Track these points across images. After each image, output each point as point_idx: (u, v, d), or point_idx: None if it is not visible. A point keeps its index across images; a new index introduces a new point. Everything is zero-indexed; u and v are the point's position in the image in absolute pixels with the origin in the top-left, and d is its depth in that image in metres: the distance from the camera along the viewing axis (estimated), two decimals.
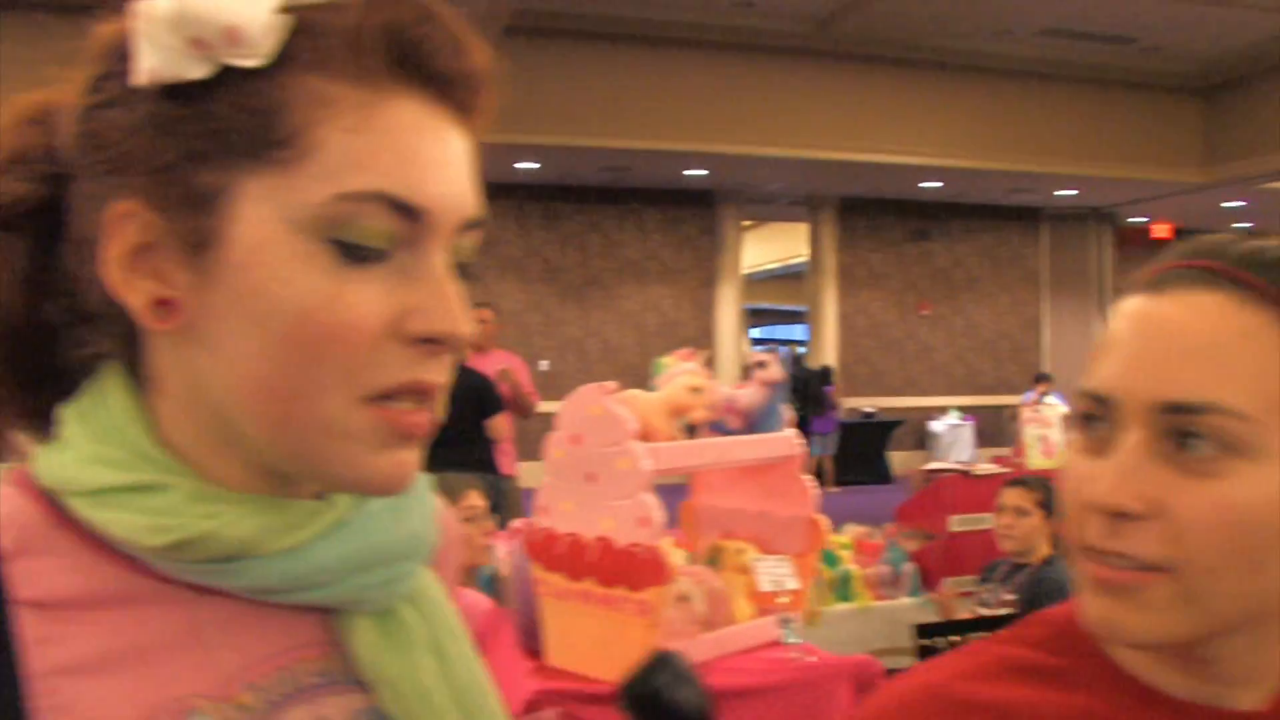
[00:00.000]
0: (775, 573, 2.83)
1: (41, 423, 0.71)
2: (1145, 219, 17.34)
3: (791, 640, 2.87)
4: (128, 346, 0.69)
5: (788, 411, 3.09)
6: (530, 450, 11.63)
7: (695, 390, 2.70)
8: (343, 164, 0.62)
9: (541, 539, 2.81)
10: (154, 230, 0.64)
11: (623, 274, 15.11)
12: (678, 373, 2.76)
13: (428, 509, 0.76)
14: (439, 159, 0.66)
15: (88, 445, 0.66)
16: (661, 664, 1.04)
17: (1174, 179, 14.29)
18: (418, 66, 0.65)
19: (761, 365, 2.99)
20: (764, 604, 2.98)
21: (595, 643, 2.74)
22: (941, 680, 0.86)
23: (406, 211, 0.64)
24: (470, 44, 0.68)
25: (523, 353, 7.55)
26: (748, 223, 16.47)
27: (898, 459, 15.24)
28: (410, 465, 0.68)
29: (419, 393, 0.66)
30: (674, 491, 2.67)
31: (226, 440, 0.67)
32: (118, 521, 0.64)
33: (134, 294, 0.65)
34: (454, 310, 0.66)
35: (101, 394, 0.68)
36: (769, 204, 16.02)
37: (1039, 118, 13.50)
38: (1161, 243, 17.80)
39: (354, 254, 0.63)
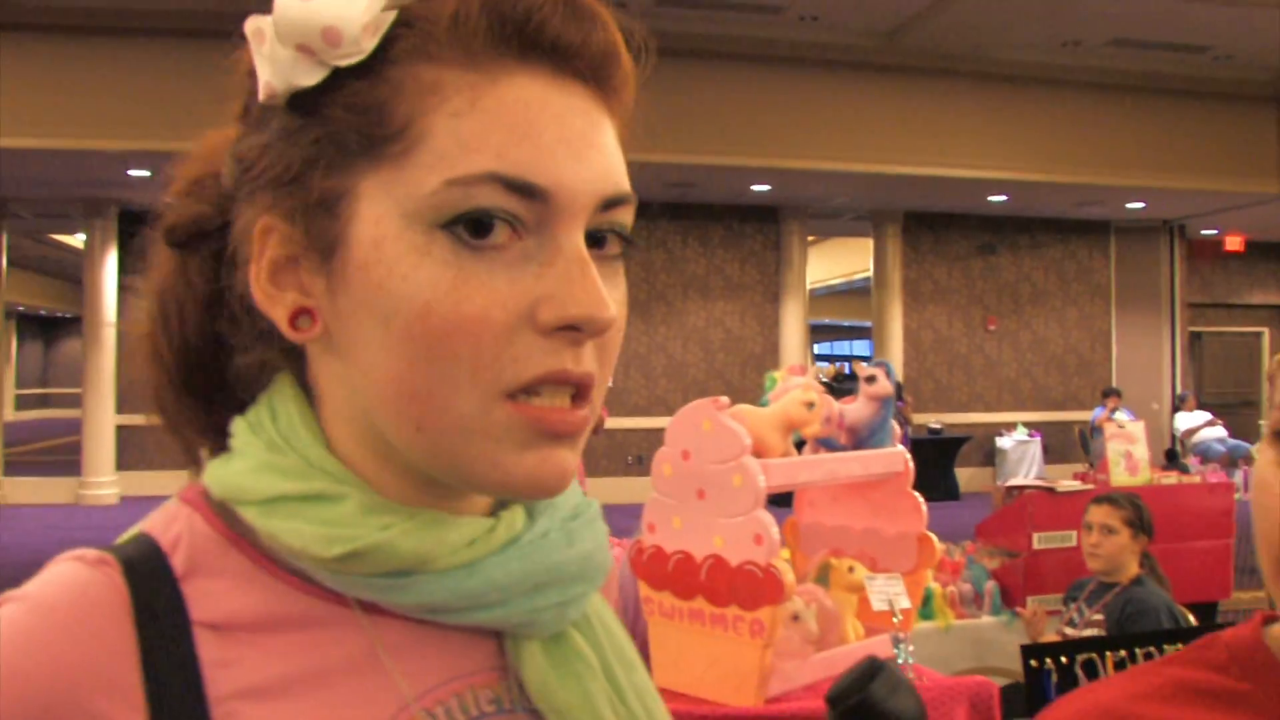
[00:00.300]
0: (888, 591, 2.77)
1: (218, 437, 0.71)
2: (1216, 231, 17.05)
3: (904, 660, 2.80)
4: (295, 360, 0.69)
5: (896, 427, 3.04)
6: (592, 467, 11.50)
7: (809, 405, 2.66)
8: (450, 149, 0.61)
9: (649, 556, 2.77)
10: (292, 243, 0.65)
11: (687, 290, 15.12)
12: (790, 387, 2.71)
13: (601, 533, 0.74)
14: (562, 135, 0.63)
15: (260, 454, 0.66)
16: (874, 672, 1.00)
17: (1248, 190, 14.02)
18: (532, 40, 0.63)
19: (871, 380, 2.93)
20: (872, 623, 2.93)
21: (705, 663, 2.70)
22: (1116, 700, 0.84)
23: (525, 191, 0.61)
24: (590, 10, 0.65)
25: None
26: (812, 238, 16.42)
27: (964, 475, 15.09)
28: (560, 465, 0.64)
29: (565, 385, 0.63)
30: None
31: (381, 450, 0.66)
32: (290, 531, 0.63)
33: (278, 307, 0.66)
34: (588, 293, 0.62)
35: (272, 406, 0.68)
36: (834, 219, 15.97)
37: (1108, 129, 13.32)
38: (1234, 255, 17.52)
39: (474, 237, 0.61)
